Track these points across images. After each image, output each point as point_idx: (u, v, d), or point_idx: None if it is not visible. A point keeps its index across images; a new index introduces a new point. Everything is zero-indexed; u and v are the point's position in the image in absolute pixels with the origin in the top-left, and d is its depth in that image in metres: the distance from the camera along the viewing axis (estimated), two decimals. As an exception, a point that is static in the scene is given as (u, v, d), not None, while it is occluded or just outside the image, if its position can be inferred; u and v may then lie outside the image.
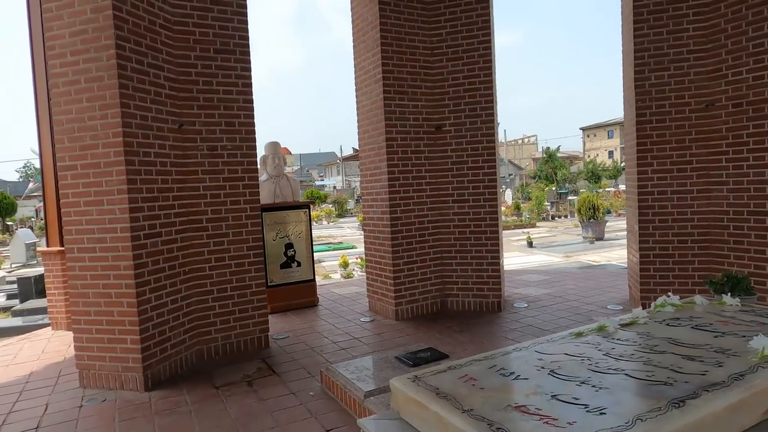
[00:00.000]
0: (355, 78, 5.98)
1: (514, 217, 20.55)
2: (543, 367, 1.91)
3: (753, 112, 4.58)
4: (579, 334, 2.26)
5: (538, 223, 19.69)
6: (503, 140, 63.15)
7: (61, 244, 5.87)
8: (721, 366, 1.80)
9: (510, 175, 58.19)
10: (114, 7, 3.72)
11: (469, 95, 5.59)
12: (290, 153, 64.12)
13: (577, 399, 1.61)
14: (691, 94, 4.96)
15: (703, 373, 1.75)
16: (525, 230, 16.93)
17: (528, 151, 69.54)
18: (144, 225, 3.94)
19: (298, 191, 6.89)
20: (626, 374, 1.80)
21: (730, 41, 4.70)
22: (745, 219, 4.71)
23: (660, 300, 2.58)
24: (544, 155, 41.18)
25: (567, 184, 36.41)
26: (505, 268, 8.21)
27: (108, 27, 3.73)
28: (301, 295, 6.35)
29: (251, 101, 4.71)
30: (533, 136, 72.99)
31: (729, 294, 2.62)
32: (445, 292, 5.83)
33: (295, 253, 6.36)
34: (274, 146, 6.73)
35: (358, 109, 5.97)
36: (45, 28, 3.91)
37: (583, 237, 14.13)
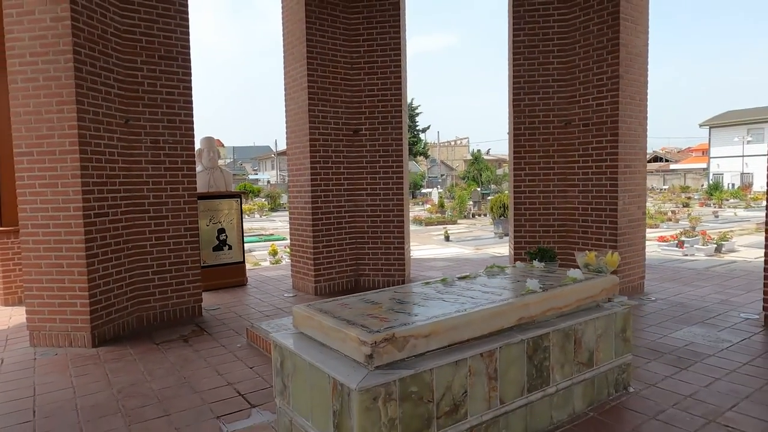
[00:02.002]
0: (285, 84, 6.81)
1: (438, 215, 22.00)
2: (394, 299, 2.91)
3: (595, 131, 5.91)
4: (427, 284, 3.29)
5: (459, 221, 21.25)
6: (436, 141, 65.50)
7: (1, 225, 6.28)
8: (500, 295, 2.89)
9: (442, 175, 60.54)
10: (72, 18, 4.35)
11: (382, 105, 6.60)
12: (223, 145, 62.85)
13: (406, 311, 2.62)
14: (554, 114, 6.24)
15: (489, 299, 2.82)
16: (446, 226, 18.33)
17: (460, 153, 72.36)
18: (94, 206, 4.59)
19: (230, 182, 7.62)
20: (442, 300, 2.84)
21: (581, 74, 6.01)
22: (588, 213, 6.05)
23: (490, 264, 3.67)
24: (472, 157, 43.47)
25: (492, 186, 38.78)
26: (419, 256, 9.30)
27: (66, 35, 4.35)
28: (232, 275, 7.10)
29: (191, 102, 5.43)
30: (465, 138, 75.96)
31: (538, 260, 3.76)
32: (358, 272, 6.81)
33: (226, 237, 7.10)
34: (209, 141, 7.41)
35: (286, 111, 6.81)
36: (6, 31, 4.46)
37: (494, 233, 15.68)
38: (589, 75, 5.93)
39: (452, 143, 73.24)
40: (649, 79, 6.08)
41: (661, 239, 12.08)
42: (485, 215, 24.34)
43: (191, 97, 5.43)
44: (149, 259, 5.24)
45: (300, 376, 2.54)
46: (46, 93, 4.42)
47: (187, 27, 5.38)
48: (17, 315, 5.74)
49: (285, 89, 6.84)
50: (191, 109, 5.45)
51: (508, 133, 6.88)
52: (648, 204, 23.01)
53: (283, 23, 6.74)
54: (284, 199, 33.55)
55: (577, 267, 3.47)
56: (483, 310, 2.62)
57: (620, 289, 5.67)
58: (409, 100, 46.61)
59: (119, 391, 3.56)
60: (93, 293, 4.55)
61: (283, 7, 6.70)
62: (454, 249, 13.05)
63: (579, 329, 3.01)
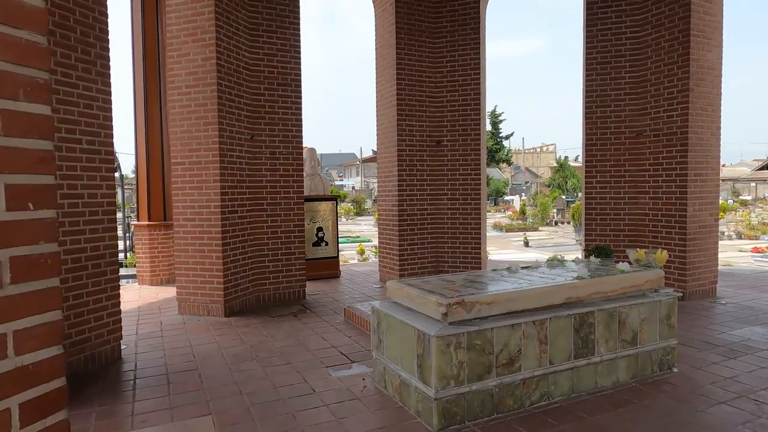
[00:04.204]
0: (376, 102, 7.78)
1: (519, 221, 22.14)
2: (466, 279, 3.67)
3: (666, 141, 6.25)
4: (494, 270, 4.01)
5: (540, 228, 21.26)
6: (521, 148, 64.40)
7: (149, 220, 7.79)
8: (553, 279, 3.55)
9: (526, 182, 59.44)
10: (216, 57, 5.57)
11: (462, 119, 7.35)
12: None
13: (474, 287, 3.38)
14: (626, 125, 6.63)
15: (543, 282, 3.49)
16: (527, 233, 18.53)
17: (546, 160, 70.46)
18: (228, 205, 5.78)
19: (327, 187, 8.72)
20: (505, 281, 3.55)
21: (653, 88, 6.37)
22: (658, 219, 6.37)
23: (551, 256, 4.31)
24: (557, 164, 42.49)
25: (578, 193, 37.75)
26: (496, 259, 9.86)
27: (212, 71, 5.58)
28: (328, 268, 8.16)
29: (301, 120, 6.53)
30: (552, 144, 73.86)
31: (595, 256, 4.33)
32: (438, 269, 7.58)
33: (324, 235, 8.18)
34: (311, 151, 8.57)
35: (377, 125, 7.76)
36: (167, 69, 5.79)
37: (576, 240, 15.71)
38: (660, 88, 6.29)
39: (538, 150, 71.55)
40: (723, 90, 6.30)
41: (755, 250, 11.65)
42: (569, 223, 24.04)
43: (301, 116, 6.53)
44: (265, 249, 6.38)
45: (392, 332, 3.38)
46: (196, 116, 5.68)
47: (299, 59, 6.48)
48: (162, 292, 7.15)
49: (376, 106, 7.80)
50: (301, 125, 6.54)
51: (581, 144, 7.34)
52: (752, 216, 21.50)
53: (376, 49, 7.71)
54: (368, 204, 35.03)
55: (629, 262, 4.02)
56: (536, 288, 3.31)
57: (690, 291, 6.01)
58: (492, 107, 46.66)
59: (251, 346, 4.62)
60: (226, 274, 5.73)
61: (376, 35, 7.68)
62: (532, 254, 13.38)
63: (623, 311, 3.58)
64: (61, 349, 1.10)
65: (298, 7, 6.43)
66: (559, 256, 4.36)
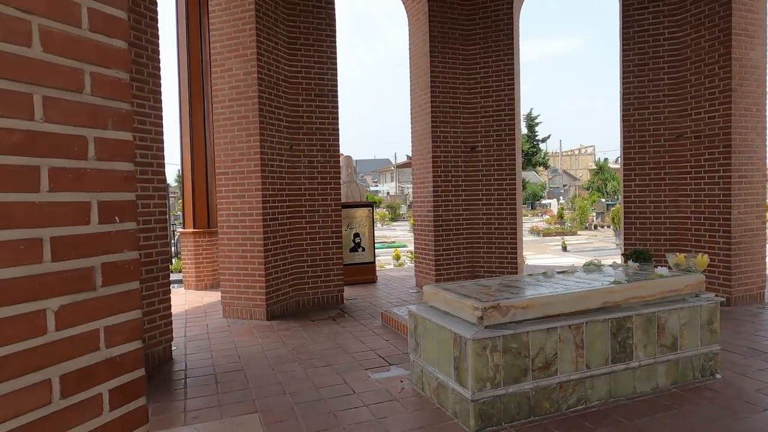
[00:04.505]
0: (411, 109, 7.90)
1: (557, 225, 21.78)
2: (501, 283, 3.73)
3: (708, 143, 6.11)
4: (530, 275, 4.05)
5: (579, 232, 20.84)
6: (558, 151, 63.15)
7: (194, 227, 8.14)
8: (590, 284, 3.57)
9: (564, 185, 58.24)
10: (258, 72, 5.82)
11: (497, 124, 7.38)
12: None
13: (509, 291, 3.43)
14: (665, 128, 6.52)
15: (579, 287, 3.52)
16: (564, 237, 18.21)
17: (585, 162, 68.83)
18: (269, 212, 6.01)
19: (364, 194, 8.89)
20: (540, 285, 3.60)
21: (693, 89, 6.25)
22: (701, 223, 6.22)
23: (588, 261, 4.31)
24: (596, 167, 41.52)
25: (617, 196, 36.74)
26: (533, 263, 9.81)
27: (253, 85, 5.83)
28: (364, 273, 8.31)
29: (338, 129, 6.72)
30: (591, 146, 72.12)
31: (633, 260, 4.30)
32: (474, 274, 7.61)
33: (360, 240, 8.34)
34: (347, 159, 8.76)
35: (412, 132, 7.88)
36: (212, 84, 6.08)
37: (616, 244, 15.34)
38: (700, 89, 6.16)
39: (576, 152, 70.04)
40: (768, 89, 6.12)
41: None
42: (609, 227, 23.46)
43: (338, 125, 6.72)
44: (305, 255, 6.58)
45: (429, 335, 3.47)
46: (239, 128, 5.94)
47: (336, 70, 6.68)
48: (207, 297, 7.45)
49: (411, 113, 7.92)
50: (338, 135, 6.73)
51: (619, 146, 7.24)
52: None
53: (410, 57, 7.85)
54: (403, 209, 35.13)
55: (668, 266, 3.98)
56: (572, 293, 3.34)
57: (736, 297, 5.86)
58: (527, 110, 46.04)
59: (293, 349, 4.79)
60: (267, 279, 5.95)
61: (410, 43, 7.81)
62: (570, 259, 13.16)
63: (662, 316, 3.56)
64: (141, 344, 1.26)
65: (335, 20, 6.63)
66: (596, 261, 4.35)
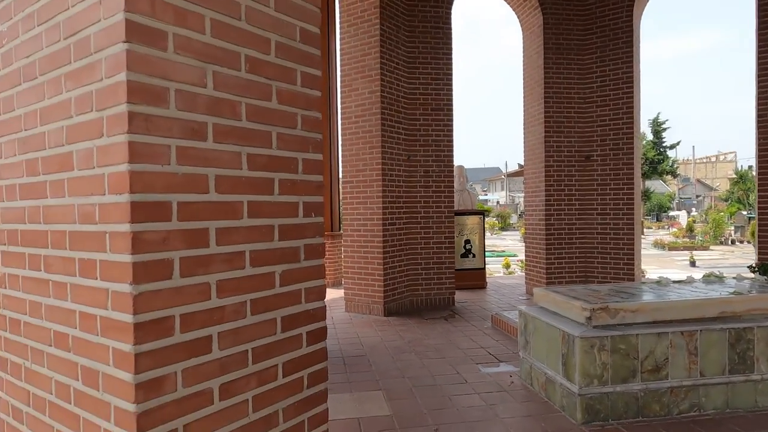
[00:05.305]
0: (524, 119, 8.07)
1: (685, 239, 20.06)
2: (612, 289, 3.86)
3: None
4: (643, 282, 4.10)
5: (712, 246, 19.02)
6: (691, 158, 57.53)
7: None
8: (706, 294, 3.57)
9: (698, 196, 52.91)
10: (381, 90, 6.44)
11: (614, 133, 7.28)
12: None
13: (620, 296, 3.58)
14: (809, 134, 6.01)
15: (694, 295, 3.55)
16: (694, 252, 16.78)
17: (723, 170, 61.89)
18: (388, 218, 6.58)
19: (475, 202, 9.18)
20: (653, 292, 3.68)
21: (844, 91, 5.71)
22: None
23: (708, 272, 4.24)
24: (737, 176, 37.22)
25: (764, 209, 32.50)
26: (654, 278, 9.34)
27: (377, 102, 6.46)
28: (474, 279, 8.58)
29: (452, 140, 7.13)
30: (731, 152, 64.64)
31: (760, 273, 4.14)
32: (587, 282, 7.54)
33: (471, 247, 8.64)
34: (459, 168, 9.14)
35: (524, 142, 8.04)
36: (342, 103, 6.83)
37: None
38: None
39: (712, 159, 63.23)
40: None
41: None
42: (749, 242, 21.05)
43: (452, 136, 7.13)
44: (419, 258, 7.06)
45: (538, 333, 3.73)
46: (363, 141, 6.60)
47: (451, 85, 7.11)
48: (330, 293, 8.22)
49: (524, 123, 8.08)
50: (452, 145, 7.14)
51: (755, 152, 6.77)
52: None
53: (523, 69, 8.03)
54: (514, 219, 34.44)
55: (800, 280, 3.81)
56: (685, 300, 3.41)
57: None
58: (654, 114, 42.59)
59: (408, 342, 5.27)
60: (385, 279, 6.51)
61: (523, 56, 8.00)
62: (698, 275, 12.19)
63: (789, 331, 3.45)
64: (324, 303, 1.77)
65: (451, 39, 7.08)
66: (717, 272, 4.26)
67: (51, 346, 1.49)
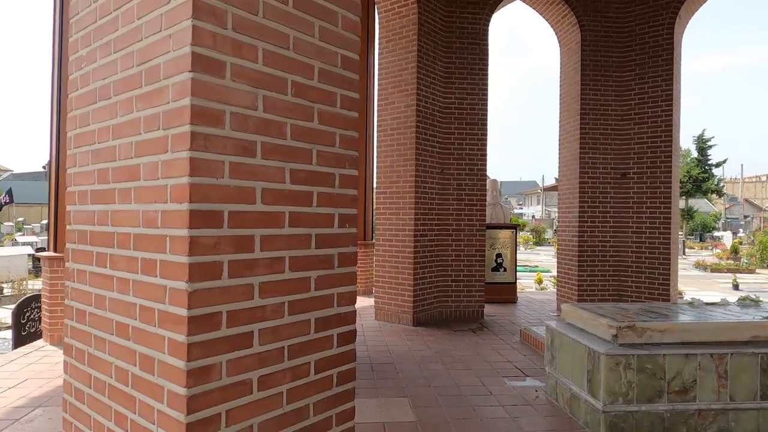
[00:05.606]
0: (559, 135, 8.06)
1: (729, 261, 19.31)
2: (641, 308, 3.86)
3: None
4: (674, 303, 4.08)
5: (758, 270, 18.23)
6: (739, 176, 55.30)
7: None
8: (739, 317, 3.53)
9: (746, 216, 50.74)
10: (416, 104, 6.60)
11: (651, 151, 7.20)
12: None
13: (648, 316, 3.58)
14: None
15: (726, 318, 3.51)
16: (738, 275, 16.15)
17: (775, 190, 59.24)
18: (420, 229, 6.70)
19: (508, 216, 9.19)
20: (683, 314, 3.66)
21: None
22: None
23: (743, 295, 4.17)
24: (788, 196, 35.51)
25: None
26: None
27: (412, 115, 6.62)
28: (505, 293, 8.57)
29: (485, 155, 7.20)
30: (783, 171, 61.74)
31: (799, 299, 4.05)
32: (620, 300, 7.41)
33: (502, 261, 8.64)
34: (493, 182, 9.17)
35: (559, 157, 8.02)
36: (378, 116, 7.02)
37: (806, 287, 13.23)
38: None
39: (762, 178, 60.61)
40: None
41: None
42: (800, 267, 20.06)
43: (486, 151, 7.20)
44: (449, 270, 7.13)
45: (564, 349, 3.76)
46: (397, 153, 6.76)
47: (486, 99, 7.20)
48: (360, 301, 8.37)
49: (559, 138, 8.07)
50: (485, 160, 7.21)
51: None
52: None
53: (560, 85, 8.04)
54: (549, 234, 33.89)
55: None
56: (716, 322, 3.38)
57: None
58: (699, 131, 41.24)
59: (436, 352, 5.35)
60: (415, 289, 6.62)
61: (560, 72, 8.01)
62: (733, 299, 11.74)
63: (826, 359, 3.38)
64: (354, 308, 1.91)
65: (487, 54, 7.18)
66: (754, 296, 4.19)
67: (113, 334, 1.68)
